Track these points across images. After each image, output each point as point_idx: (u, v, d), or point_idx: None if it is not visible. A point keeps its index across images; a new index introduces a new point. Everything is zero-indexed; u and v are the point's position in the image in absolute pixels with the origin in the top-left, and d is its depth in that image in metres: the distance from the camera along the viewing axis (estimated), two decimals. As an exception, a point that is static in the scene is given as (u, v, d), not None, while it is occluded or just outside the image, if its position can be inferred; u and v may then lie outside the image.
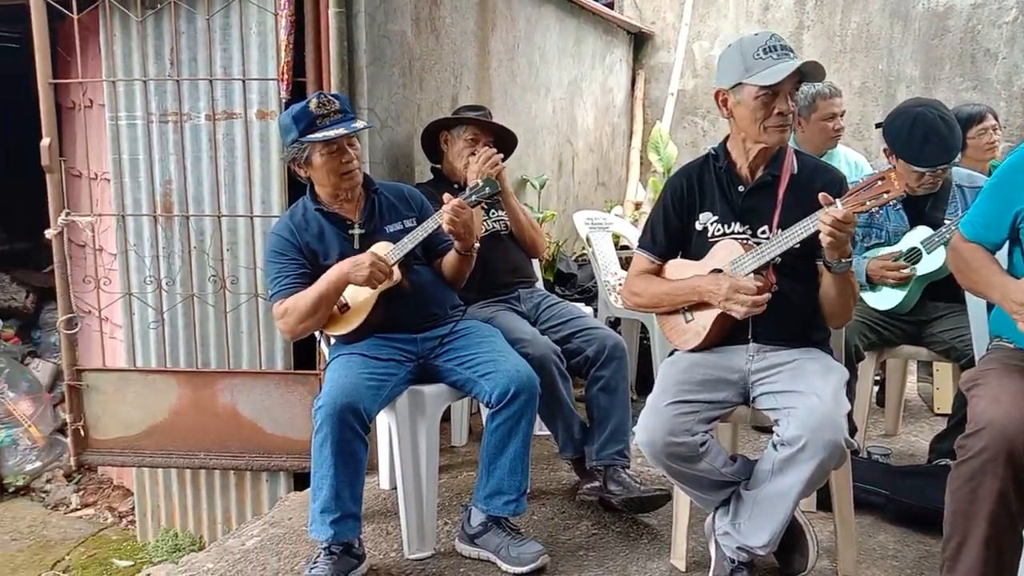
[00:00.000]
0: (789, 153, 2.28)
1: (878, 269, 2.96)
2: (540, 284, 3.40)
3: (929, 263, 2.91)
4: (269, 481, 3.41)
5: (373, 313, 2.52)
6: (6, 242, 5.48)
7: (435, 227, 2.49)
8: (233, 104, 3.19)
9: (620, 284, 3.80)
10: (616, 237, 4.49)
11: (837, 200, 1.99)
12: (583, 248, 4.65)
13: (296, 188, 2.79)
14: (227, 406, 3.27)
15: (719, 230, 2.27)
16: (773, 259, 2.15)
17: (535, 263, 3.44)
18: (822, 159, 2.81)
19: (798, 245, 2.11)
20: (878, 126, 3.01)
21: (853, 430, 2.60)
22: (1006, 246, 2.16)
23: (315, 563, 2.36)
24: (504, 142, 3.23)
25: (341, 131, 2.47)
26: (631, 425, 2.77)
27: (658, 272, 2.39)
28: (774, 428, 2.11)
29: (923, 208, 2.99)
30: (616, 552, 2.56)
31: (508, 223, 3.22)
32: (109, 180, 3.41)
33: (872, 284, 3.01)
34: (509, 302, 3.08)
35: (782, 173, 2.24)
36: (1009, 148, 3.63)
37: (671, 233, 2.35)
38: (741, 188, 2.27)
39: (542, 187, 4.65)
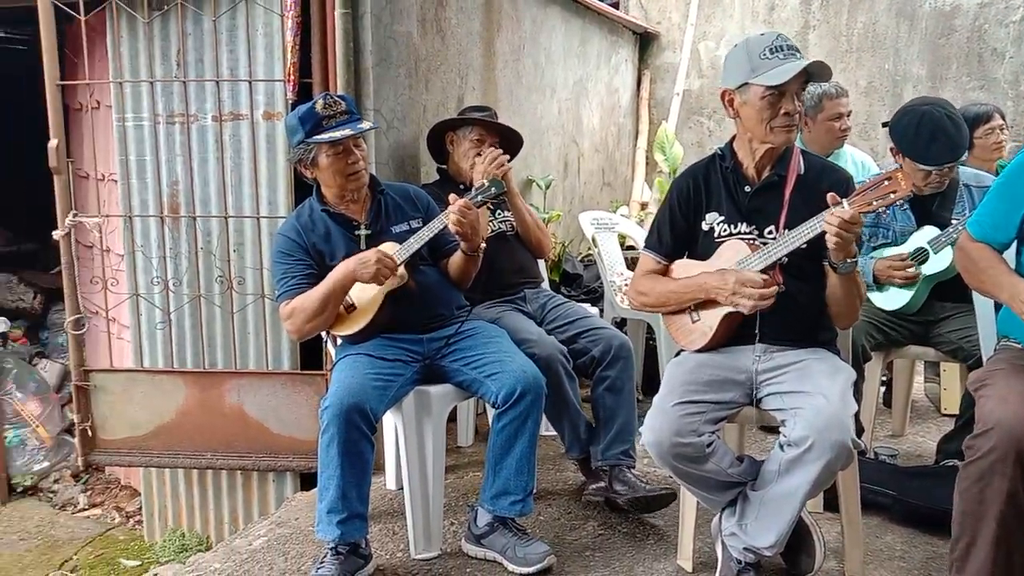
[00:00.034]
0: (796, 153, 2.28)
1: (885, 269, 2.96)
2: (546, 284, 3.41)
3: (936, 263, 2.90)
4: (276, 481, 3.42)
5: (379, 313, 2.52)
6: (14, 243, 5.50)
7: (441, 227, 2.49)
8: (240, 105, 3.20)
9: (626, 284, 3.80)
10: (622, 237, 4.49)
11: (844, 200, 1.99)
12: (589, 248, 4.65)
13: (303, 189, 2.79)
14: (234, 406, 3.28)
15: (725, 230, 2.27)
16: (780, 259, 2.15)
17: (541, 263, 3.44)
18: (828, 159, 2.81)
19: (804, 245, 2.10)
20: (885, 125, 3.00)
21: (860, 431, 2.59)
22: (1014, 246, 2.15)
23: (322, 563, 2.36)
24: (510, 143, 3.24)
25: (347, 132, 2.47)
26: (637, 425, 2.77)
27: (664, 272, 2.38)
28: (781, 429, 2.10)
29: (930, 208, 2.98)
30: (622, 553, 2.56)
31: (514, 223, 3.22)
32: (116, 181, 3.42)
33: (879, 284, 3.00)
34: (515, 302, 3.08)
35: (788, 173, 2.24)
36: (1016, 148, 3.63)
37: (677, 233, 2.35)
38: (747, 188, 2.27)
39: (548, 187, 4.65)
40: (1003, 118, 3.65)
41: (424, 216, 2.67)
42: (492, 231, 3.14)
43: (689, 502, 2.39)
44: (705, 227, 2.30)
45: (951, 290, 2.90)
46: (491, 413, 2.53)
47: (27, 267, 5.33)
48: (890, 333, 3.05)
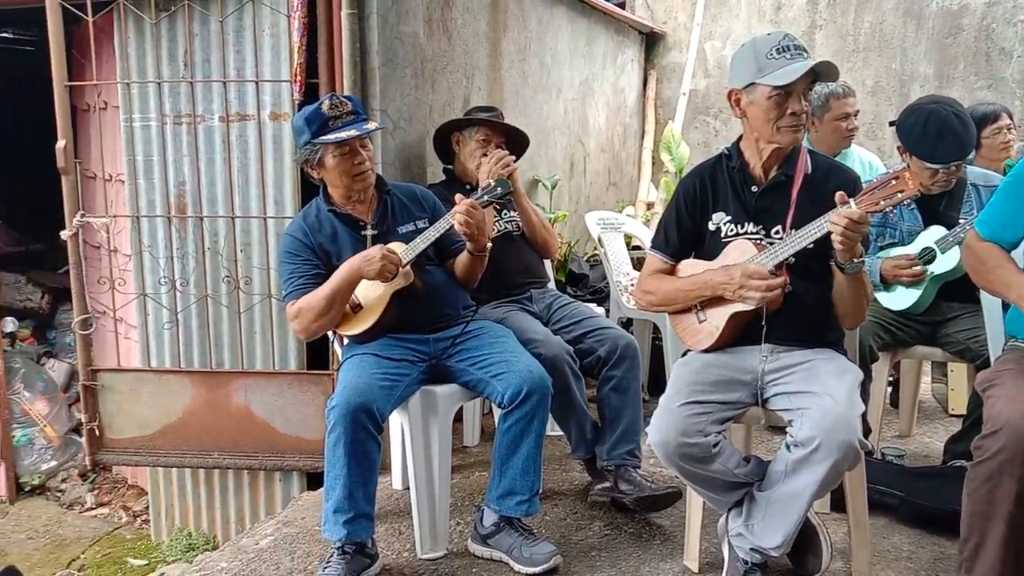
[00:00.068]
0: (803, 153, 2.27)
1: (891, 269, 2.95)
2: (552, 284, 3.40)
3: (944, 263, 2.89)
4: (282, 481, 3.43)
5: (386, 313, 2.53)
6: (22, 243, 5.52)
7: (447, 227, 2.49)
8: (246, 106, 3.21)
9: (632, 284, 3.79)
10: (628, 237, 4.49)
11: (851, 200, 1.98)
12: (595, 248, 4.65)
13: (309, 189, 2.80)
14: (241, 406, 3.29)
15: (732, 230, 2.26)
16: (786, 259, 2.14)
17: (547, 263, 3.44)
18: (836, 159, 2.80)
19: (811, 245, 2.10)
20: (892, 124, 2.99)
21: (867, 431, 2.59)
22: (1022, 245, 2.15)
23: (328, 562, 2.37)
24: (516, 143, 3.24)
25: (353, 132, 2.47)
26: (643, 425, 2.77)
27: (671, 272, 2.38)
28: (787, 429, 2.10)
29: (937, 207, 2.97)
30: (629, 553, 2.56)
31: (520, 224, 3.23)
32: (123, 181, 3.43)
33: (886, 284, 3.00)
34: (521, 302, 3.08)
35: (796, 173, 2.24)
36: (1024, 147, 3.61)
37: (684, 233, 2.35)
38: (754, 188, 2.26)
39: (554, 187, 4.65)
40: (1011, 118, 3.63)
41: (430, 216, 2.68)
42: (498, 231, 3.14)
43: (695, 502, 2.39)
44: (712, 227, 2.30)
45: (959, 290, 2.89)
46: (497, 413, 2.53)
47: (35, 267, 5.34)
48: (897, 333, 3.04)
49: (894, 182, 1.95)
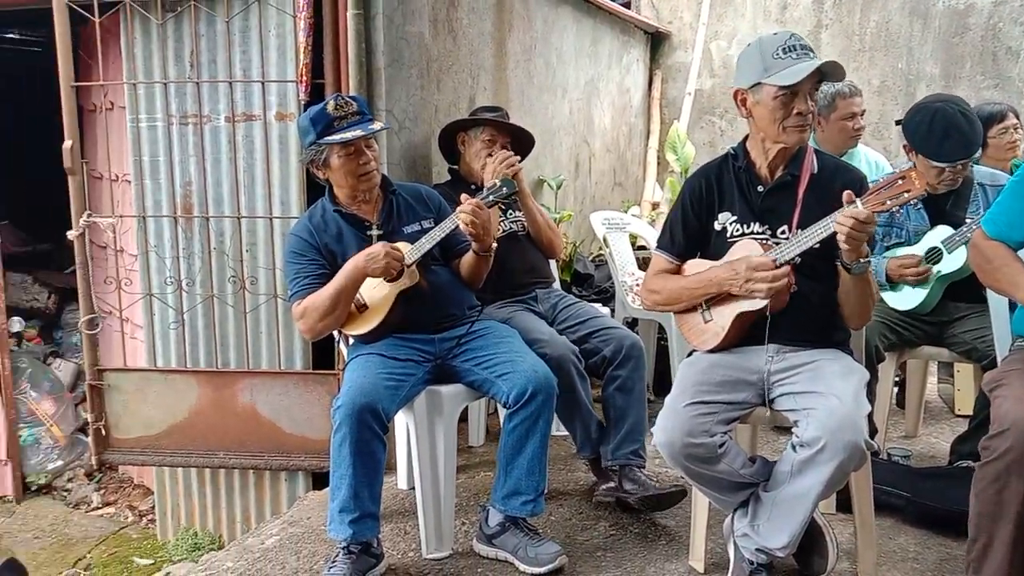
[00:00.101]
0: (809, 153, 2.27)
1: (896, 269, 2.94)
2: (557, 284, 3.40)
3: (950, 263, 2.89)
4: (288, 480, 3.43)
5: (391, 313, 2.53)
6: (29, 243, 5.53)
7: (453, 227, 2.49)
8: (252, 106, 3.21)
9: (637, 284, 3.79)
10: (633, 237, 4.48)
11: (857, 200, 1.98)
12: (600, 248, 4.64)
13: (315, 189, 2.80)
14: (246, 406, 3.29)
15: (738, 230, 2.26)
16: (792, 259, 2.14)
17: (552, 263, 3.44)
18: (842, 159, 2.80)
19: (818, 245, 2.09)
20: (898, 123, 2.99)
21: (873, 431, 2.58)
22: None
23: (334, 562, 2.37)
24: (521, 143, 3.24)
25: (358, 133, 2.47)
26: (647, 425, 2.76)
27: (677, 273, 2.37)
28: (793, 429, 2.09)
29: (944, 207, 2.96)
30: (634, 553, 2.56)
31: (525, 223, 3.22)
32: (130, 182, 3.44)
33: (892, 284, 2.99)
34: (526, 302, 3.08)
35: (802, 173, 2.23)
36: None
37: (690, 233, 2.34)
38: (760, 188, 2.26)
39: (559, 187, 4.65)
40: (1017, 117, 3.62)
41: (436, 216, 2.68)
42: (503, 231, 3.14)
43: (701, 503, 2.39)
44: (718, 227, 2.29)
45: (965, 290, 2.88)
46: (502, 413, 2.53)
47: (41, 267, 5.36)
48: (904, 333, 3.03)
49: (900, 182, 1.95)
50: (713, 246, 2.30)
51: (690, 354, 2.38)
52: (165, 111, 3.28)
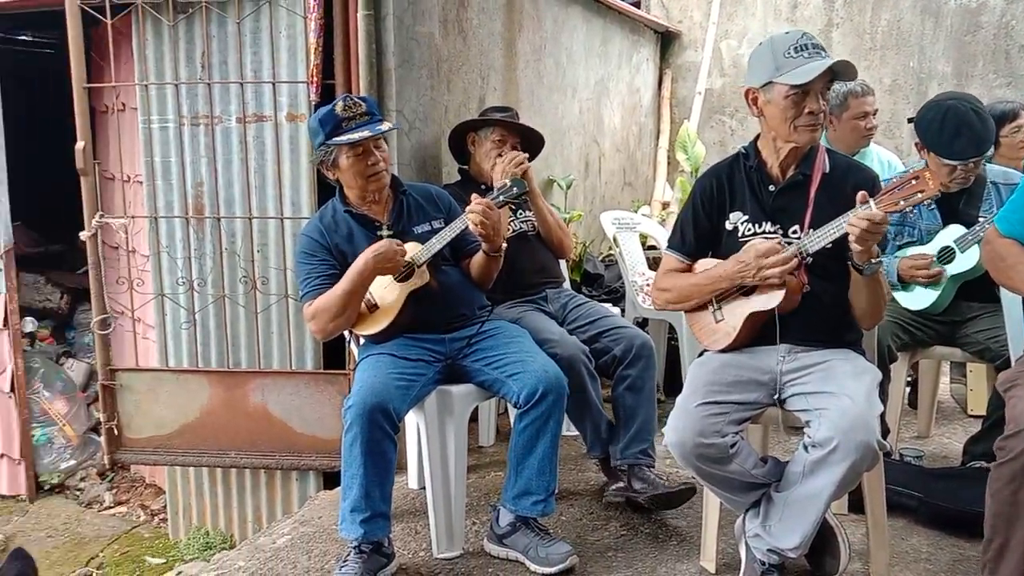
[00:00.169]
0: (821, 152, 2.26)
1: (908, 269, 2.93)
2: (567, 284, 3.40)
3: (963, 262, 2.87)
4: (299, 480, 3.44)
5: (402, 313, 2.53)
6: (41, 244, 5.56)
7: (463, 228, 2.49)
8: (263, 107, 3.22)
9: (648, 284, 3.79)
10: (643, 237, 4.48)
11: (871, 200, 1.97)
12: (610, 248, 4.64)
13: (326, 190, 2.81)
14: (258, 406, 3.30)
15: (750, 230, 2.25)
16: (804, 258, 2.13)
17: (562, 263, 3.44)
18: (854, 158, 2.79)
19: (830, 245, 2.09)
20: (910, 120, 2.97)
21: (885, 432, 2.57)
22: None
23: (345, 562, 2.38)
24: (531, 143, 3.24)
25: (366, 133, 2.48)
26: (657, 425, 2.76)
27: (687, 272, 2.37)
28: (805, 429, 2.09)
29: (956, 205, 2.95)
30: (645, 553, 2.55)
31: (535, 223, 3.22)
32: (142, 182, 3.46)
33: (904, 284, 2.98)
34: (537, 302, 3.08)
35: (814, 172, 2.22)
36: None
37: (701, 233, 2.34)
38: (772, 187, 2.25)
39: (569, 187, 4.65)
40: (1030, 115, 3.60)
41: (446, 216, 2.68)
42: (513, 231, 3.14)
43: (712, 503, 2.38)
44: (729, 226, 2.28)
45: (978, 290, 2.87)
46: (513, 413, 2.53)
47: (54, 268, 5.38)
48: (916, 333, 3.02)
49: (914, 182, 1.94)
50: (724, 246, 2.30)
51: (701, 354, 2.38)
52: (177, 112, 3.30)
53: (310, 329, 2.62)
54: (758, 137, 2.31)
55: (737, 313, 2.23)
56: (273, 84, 3.19)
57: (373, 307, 2.57)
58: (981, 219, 2.86)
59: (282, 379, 3.30)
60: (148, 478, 4.32)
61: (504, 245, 2.58)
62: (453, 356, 2.58)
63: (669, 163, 6.44)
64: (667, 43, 6.66)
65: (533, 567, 2.44)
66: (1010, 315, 2.64)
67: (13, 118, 4.05)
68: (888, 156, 3.67)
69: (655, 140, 6.57)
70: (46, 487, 4.32)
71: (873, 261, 2.06)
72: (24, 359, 4.21)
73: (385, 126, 2.55)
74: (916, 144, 2.94)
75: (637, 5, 6.33)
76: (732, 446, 2.08)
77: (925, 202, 2.76)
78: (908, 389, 3.71)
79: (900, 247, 3.04)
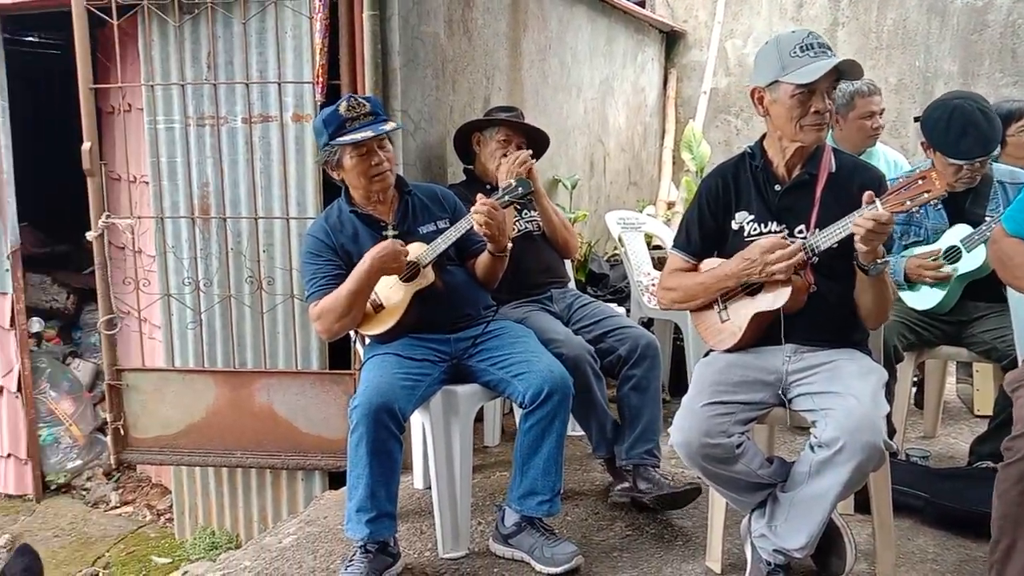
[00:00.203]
0: (827, 151, 2.25)
1: (916, 268, 2.92)
2: (572, 284, 3.40)
3: (969, 262, 2.86)
4: (304, 480, 3.45)
5: (407, 313, 2.53)
6: (48, 244, 5.57)
7: (468, 228, 2.49)
8: (269, 107, 3.23)
9: (653, 284, 3.78)
10: (648, 237, 4.47)
11: (877, 200, 1.97)
12: (615, 248, 4.64)
13: (332, 190, 2.81)
14: (263, 406, 3.31)
15: (756, 229, 2.25)
16: (810, 257, 2.13)
17: (567, 263, 3.44)
18: (861, 157, 2.78)
19: (836, 245, 2.08)
20: (916, 120, 2.97)
21: (892, 432, 2.57)
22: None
23: (351, 561, 2.38)
24: (536, 143, 3.24)
25: (368, 134, 2.47)
26: (662, 425, 2.76)
27: (693, 272, 2.37)
28: (811, 430, 2.09)
29: (963, 205, 2.94)
30: (651, 554, 2.55)
31: (540, 223, 3.22)
32: (148, 183, 3.47)
33: (910, 283, 2.97)
34: (542, 302, 3.08)
35: (820, 172, 2.22)
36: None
37: (706, 233, 2.33)
38: (778, 187, 2.25)
39: (574, 187, 4.65)
40: (1037, 115, 3.58)
41: (451, 216, 2.68)
42: (518, 231, 3.14)
43: (718, 503, 2.38)
44: (735, 226, 2.28)
45: (985, 289, 2.86)
46: (518, 413, 2.53)
47: (60, 268, 5.40)
48: (922, 333, 3.01)
49: (920, 182, 1.93)
50: (730, 245, 2.29)
51: (707, 354, 2.37)
52: (182, 112, 3.31)
53: (316, 329, 2.63)
54: (764, 136, 2.30)
55: (743, 313, 2.22)
56: (279, 84, 3.19)
57: (379, 307, 2.57)
58: (988, 218, 2.86)
59: (288, 379, 3.31)
60: (154, 478, 4.33)
61: (509, 245, 2.58)
62: (458, 356, 2.58)
63: (674, 163, 6.43)
64: (672, 42, 6.66)
65: (538, 567, 2.44)
66: (1017, 315, 2.63)
67: (20, 119, 4.07)
68: (894, 156, 3.66)
69: (660, 140, 6.57)
70: (52, 487, 4.33)
71: (879, 261, 2.05)
72: (31, 359, 4.23)
73: (388, 126, 2.55)
74: (922, 144, 2.93)
75: (642, 4, 6.32)
76: (738, 446, 2.08)
77: (931, 201, 2.77)
78: (914, 389, 3.70)
79: (906, 247, 3.03)
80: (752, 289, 2.21)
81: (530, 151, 3.07)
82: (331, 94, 3.06)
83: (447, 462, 2.55)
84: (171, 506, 3.91)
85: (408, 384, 2.42)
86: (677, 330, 4.00)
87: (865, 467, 1.98)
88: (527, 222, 3.20)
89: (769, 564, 2.17)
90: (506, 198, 2.50)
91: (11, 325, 4.09)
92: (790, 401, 2.19)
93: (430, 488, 2.63)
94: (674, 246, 2.41)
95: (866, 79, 3.27)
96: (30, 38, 5.21)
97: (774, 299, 2.16)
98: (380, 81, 3.08)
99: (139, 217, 3.46)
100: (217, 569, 2.63)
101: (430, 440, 2.56)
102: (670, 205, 6.04)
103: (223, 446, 3.36)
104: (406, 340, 2.56)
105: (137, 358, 3.59)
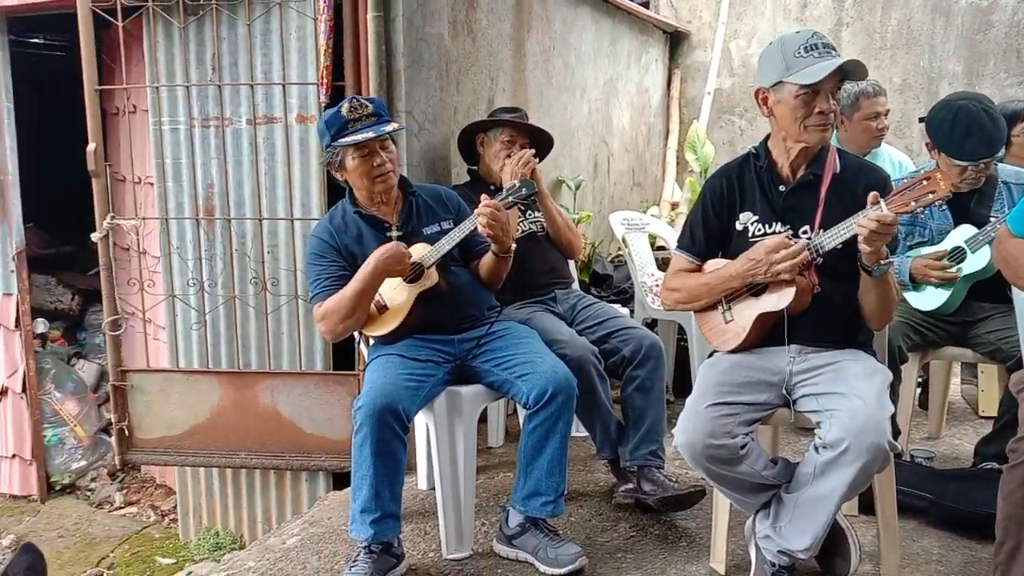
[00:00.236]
0: (832, 152, 2.25)
1: (921, 268, 2.91)
2: (576, 285, 3.40)
3: (974, 262, 2.85)
4: (308, 480, 3.45)
5: (411, 314, 2.54)
6: (53, 245, 5.59)
7: (472, 229, 2.49)
8: (273, 108, 3.23)
9: (656, 285, 3.78)
10: (652, 238, 4.47)
11: (882, 201, 1.96)
12: (619, 249, 4.63)
13: (336, 191, 2.82)
14: (267, 406, 3.31)
15: (760, 230, 2.24)
16: (814, 258, 2.13)
17: (571, 264, 3.43)
18: (865, 158, 2.78)
19: (840, 245, 2.08)
20: (921, 120, 2.96)
21: (896, 433, 2.56)
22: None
23: (355, 562, 2.38)
24: (540, 143, 3.24)
25: (370, 135, 2.48)
26: (666, 426, 2.76)
27: (697, 272, 2.36)
28: (816, 430, 2.08)
29: (968, 205, 2.93)
30: (655, 555, 2.55)
31: (544, 224, 3.22)
32: (152, 184, 3.47)
33: (915, 284, 2.96)
34: (546, 303, 3.08)
35: (824, 172, 2.22)
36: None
37: (710, 233, 2.33)
38: (782, 188, 2.24)
39: (578, 188, 4.65)
40: (1042, 115, 3.57)
41: (455, 217, 2.68)
42: (522, 232, 3.14)
43: (722, 504, 2.38)
44: (739, 227, 2.28)
45: (989, 290, 2.86)
46: (522, 414, 2.53)
47: (65, 269, 5.41)
48: (927, 334, 3.01)
49: (925, 183, 1.93)
50: (734, 246, 2.29)
51: (711, 355, 2.37)
52: (187, 114, 3.31)
53: (320, 330, 2.63)
54: (768, 137, 2.30)
55: (747, 314, 2.22)
56: (283, 86, 3.20)
57: (383, 308, 2.57)
58: (992, 219, 2.85)
59: (292, 380, 3.31)
60: (158, 479, 4.34)
61: (513, 246, 2.58)
62: (462, 357, 2.59)
63: (678, 163, 6.43)
64: (676, 43, 6.66)
65: (542, 568, 2.44)
66: (1022, 315, 2.63)
67: (25, 120, 4.08)
68: (899, 156, 3.65)
69: (664, 140, 6.57)
70: (57, 487, 4.34)
71: (882, 263, 2.05)
72: (36, 360, 4.24)
73: (390, 127, 2.55)
74: (927, 144, 2.93)
75: (646, 5, 6.32)
76: (742, 447, 2.08)
77: (936, 202, 2.76)
78: (919, 390, 3.69)
79: (911, 247, 3.02)
80: (756, 290, 2.21)
81: (534, 152, 3.08)
82: (335, 95, 3.06)
83: (451, 463, 2.55)
84: (175, 507, 3.91)
85: (412, 385, 2.42)
86: (681, 331, 4.00)
87: (870, 468, 1.98)
88: (531, 223, 3.20)
89: (773, 565, 2.17)
90: (510, 199, 2.50)
91: (16, 326, 4.10)
92: (794, 402, 2.19)
93: (434, 489, 2.63)
94: (678, 247, 2.41)
95: (871, 79, 3.26)
96: (35, 39, 5.23)
97: (778, 300, 2.16)
98: (384, 82, 3.08)
99: (144, 218, 3.47)
100: (221, 570, 2.64)
101: (434, 441, 2.56)
102: (674, 206, 6.04)
103: (227, 447, 3.36)
104: (410, 341, 2.56)
105: (142, 359, 3.60)
